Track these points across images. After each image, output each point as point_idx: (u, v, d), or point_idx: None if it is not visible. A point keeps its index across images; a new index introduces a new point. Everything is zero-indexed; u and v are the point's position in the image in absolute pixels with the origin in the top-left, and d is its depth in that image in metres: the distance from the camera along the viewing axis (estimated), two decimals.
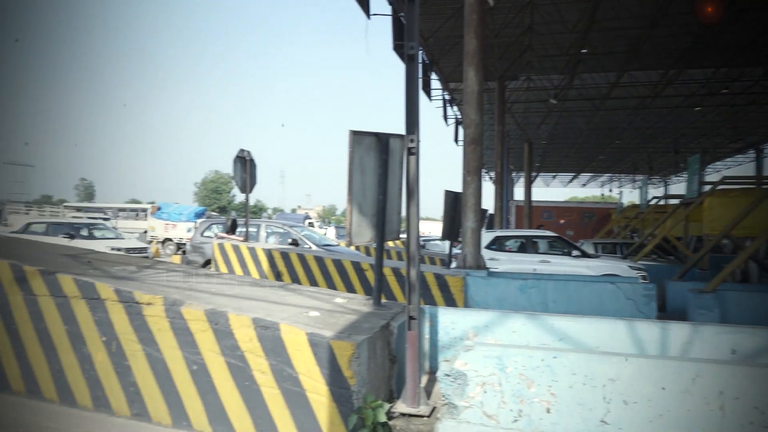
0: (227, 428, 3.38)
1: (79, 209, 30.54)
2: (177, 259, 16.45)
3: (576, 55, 15.32)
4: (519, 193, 30.30)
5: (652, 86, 17.52)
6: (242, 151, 9.42)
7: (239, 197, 74.20)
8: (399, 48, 14.14)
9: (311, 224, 33.52)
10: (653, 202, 16.70)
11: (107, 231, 14.28)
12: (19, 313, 4.00)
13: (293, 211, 70.03)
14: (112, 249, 11.76)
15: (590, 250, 12.71)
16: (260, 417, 3.29)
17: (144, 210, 28.17)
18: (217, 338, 3.40)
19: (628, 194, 46.64)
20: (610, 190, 46.10)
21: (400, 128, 3.79)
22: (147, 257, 12.33)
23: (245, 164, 9.46)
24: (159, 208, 24.97)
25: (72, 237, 12.42)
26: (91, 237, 13.45)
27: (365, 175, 3.93)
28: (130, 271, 4.43)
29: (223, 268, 9.05)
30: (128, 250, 12.65)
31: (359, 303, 4.28)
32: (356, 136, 3.80)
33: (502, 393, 2.84)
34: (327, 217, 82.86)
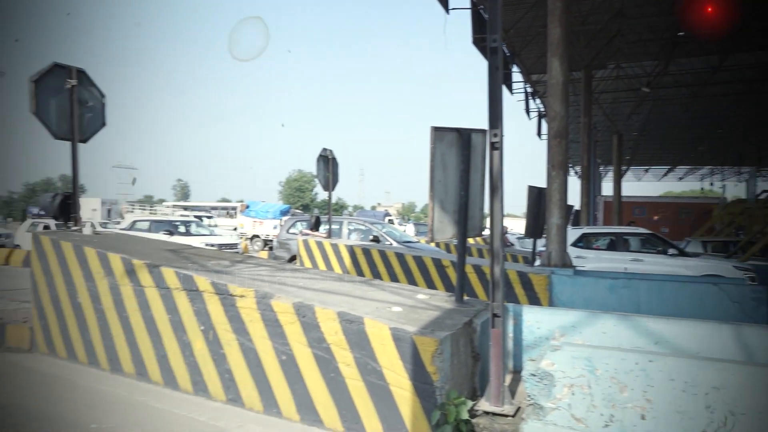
0: (314, 417, 3.50)
1: (186, 208, 32.87)
2: (264, 254, 17.24)
3: (672, 39, 14.27)
4: (607, 189, 28.74)
5: (761, 68, 15.97)
6: (325, 150, 9.69)
7: (321, 195, 76.53)
8: (479, 41, 13.93)
9: (391, 221, 33.82)
10: (762, 196, 15.24)
11: (202, 228, 15.25)
12: (130, 303, 4.39)
13: (373, 208, 71.03)
14: (207, 245, 12.55)
15: (697, 249, 11.83)
16: (345, 408, 3.39)
17: (234, 208, 29.79)
18: (305, 330, 3.54)
19: (732, 188, 42.85)
20: (711, 184, 42.56)
21: (478, 123, 3.73)
22: (237, 252, 13.04)
23: (328, 163, 9.73)
24: (247, 207, 26.29)
25: (171, 233, 13.39)
26: (187, 233, 14.44)
27: (447, 171, 3.92)
28: (224, 266, 4.71)
29: (308, 264, 9.37)
30: (221, 245, 13.44)
31: (441, 300, 4.28)
32: (437, 132, 3.79)
33: (592, 396, 2.73)
34: (406, 214, 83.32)
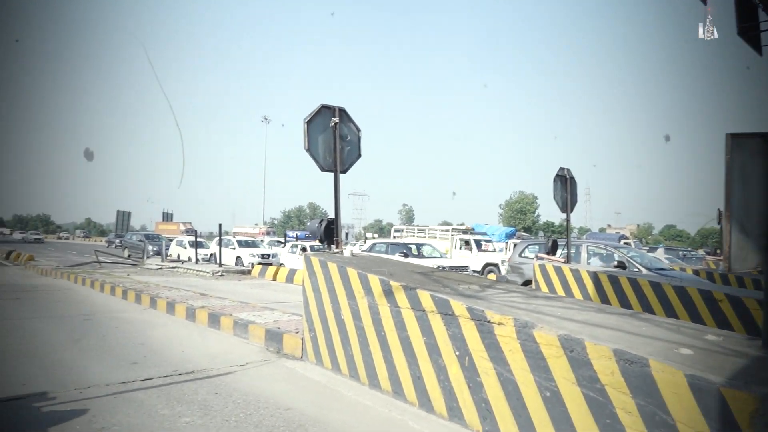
0: None
1: (421, 229, 34.49)
2: (493, 277, 17.07)
3: None
4: None
5: None
6: (562, 169, 9.16)
7: (544, 217, 73.70)
8: (745, 32, 11.75)
9: (627, 245, 30.59)
10: None
11: (433, 250, 15.83)
12: (387, 322, 4.61)
13: (602, 230, 65.45)
14: (438, 267, 12.93)
15: None
16: None
17: (447, 231, 30.38)
18: (572, 367, 3.20)
19: None
20: None
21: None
22: (480, 276, 13.11)
23: (565, 182, 9.17)
24: (472, 229, 26.58)
25: (406, 255, 14.18)
26: (420, 255, 15.13)
27: (748, 185, 3.20)
28: (475, 290, 4.64)
29: (544, 290, 8.87)
30: (451, 268, 13.71)
31: (739, 343, 3.49)
32: (736, 139, 3.13)
33: None
34: (643, 236, 74.73)
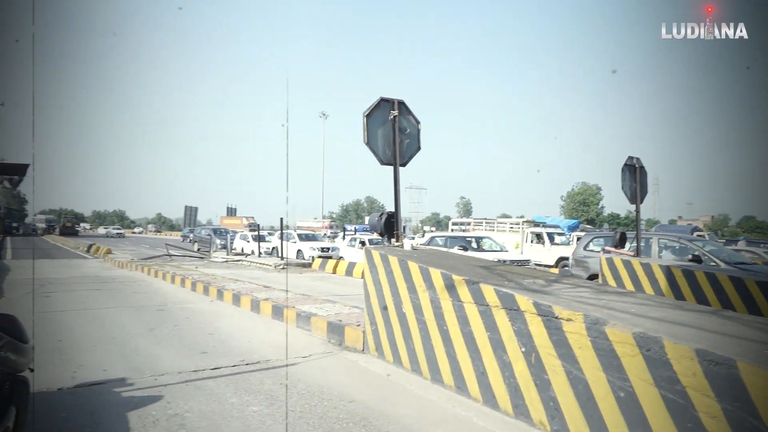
0: None
1: (489, 222, 33.84)
2: (554, 270, 16.57)
3: None
4: None
5: None
6: (631, 158, 8.72)
7: (608, 209, 70.77)
8: None
9: (701, 236, 28.86)
10: None
11: (493, 243, 15.54)
12: (449, 317, 4.55)
13: (672, 222, 62.07)
14: (498, 260, 12.68)
15: None
16: None
17: (517, 224, 29.69)
18: (649, 366, 3.02)
19: None
20: None
21: None
22: (545, 270, 12.78)
23: (634, 172, 8.72)
24: (543, 223, 25.90)
25: (465, 249, 14.00)
26: (479, 249, 14.89)
27: None
28: (541, 285, 4.49)
29: (612, 285, 8.49)
30: (512, 261, 13.41)
31: None
32: None
33: None
34: (719, 228, 70.32)
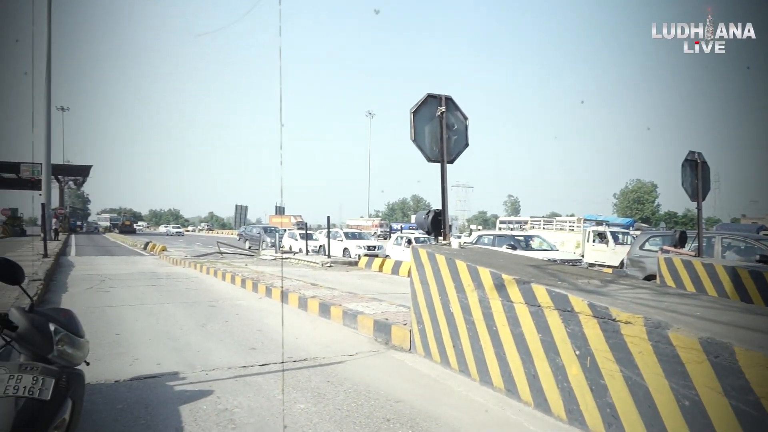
0: None
1: (548, 221, 32.96)
2: (608, 271, 15.99)
3: None
4: None
5: None
6: (692, 153, 8.28)
7: (664, 207, 67.81)
8: None
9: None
10: None
11: (543, 242, 15.14)
12: (499, 317, 4.42)
13: (734, 220, 58.75)
14: (548, 260, 12.33)
15: None
16: None
17: (567, 222, 28.85)
18: (717, 374, 2.82)
19: None
20: None
21: None
22: (599, 270, 12.37)
23: (696, 168, 8.27)
24: (585, 221, 25.10)
25: (514, 248, 13.70)
26: (528, 248, 14.55)
27: None
28: (596, 285, 4.30)
29: (671, 286, 8.08)
30: (563, 261, 13.01)
31: None
32: None
33: None
34: None
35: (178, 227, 73.94)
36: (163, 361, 5.23)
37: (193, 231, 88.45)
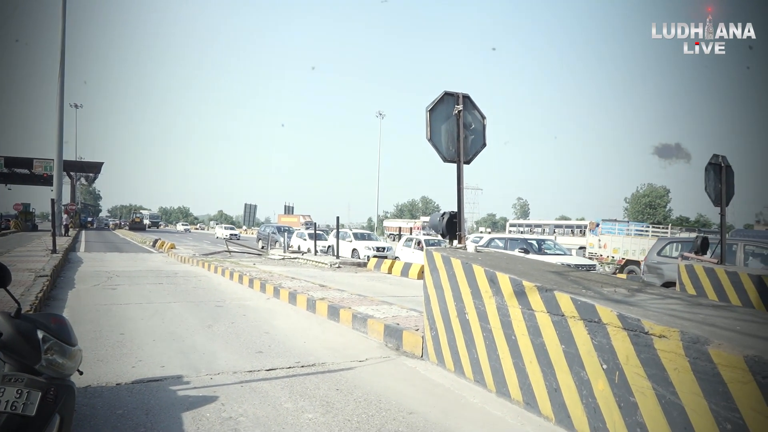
0: None
1: (568, 226, 32.43)
2: (623, 276, 15.67)
3: None
4: None
5: None
6: (716, 156, 7.99)
7: (676, 211, 66.96)
8: None
9: None
10: None
11: (556, 246, 14.86)
12: (518, 326, 4.19)
13: (747, 226, 57.74)
14: (562, 264, 12.05)
15: None
16: None
17: (578, 226, 28.50)
18: (765, 397, 2.58)
19: None
20: None
21: None
22: (620, 277, 12.09)
23: (720, 172, 7.98)
24: (597, 225, 24.74)
25: (526, 252, 13.42)
26: (541, 252, 14.26)
27: None
28: (623, 294, 4.06)
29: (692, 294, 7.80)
30: (576, 266, 12.73)
31: None
32: None
33: None
34: None
35: (186, 224, 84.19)
36: (167, 363, 5.06)
37: (202, 229, 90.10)
